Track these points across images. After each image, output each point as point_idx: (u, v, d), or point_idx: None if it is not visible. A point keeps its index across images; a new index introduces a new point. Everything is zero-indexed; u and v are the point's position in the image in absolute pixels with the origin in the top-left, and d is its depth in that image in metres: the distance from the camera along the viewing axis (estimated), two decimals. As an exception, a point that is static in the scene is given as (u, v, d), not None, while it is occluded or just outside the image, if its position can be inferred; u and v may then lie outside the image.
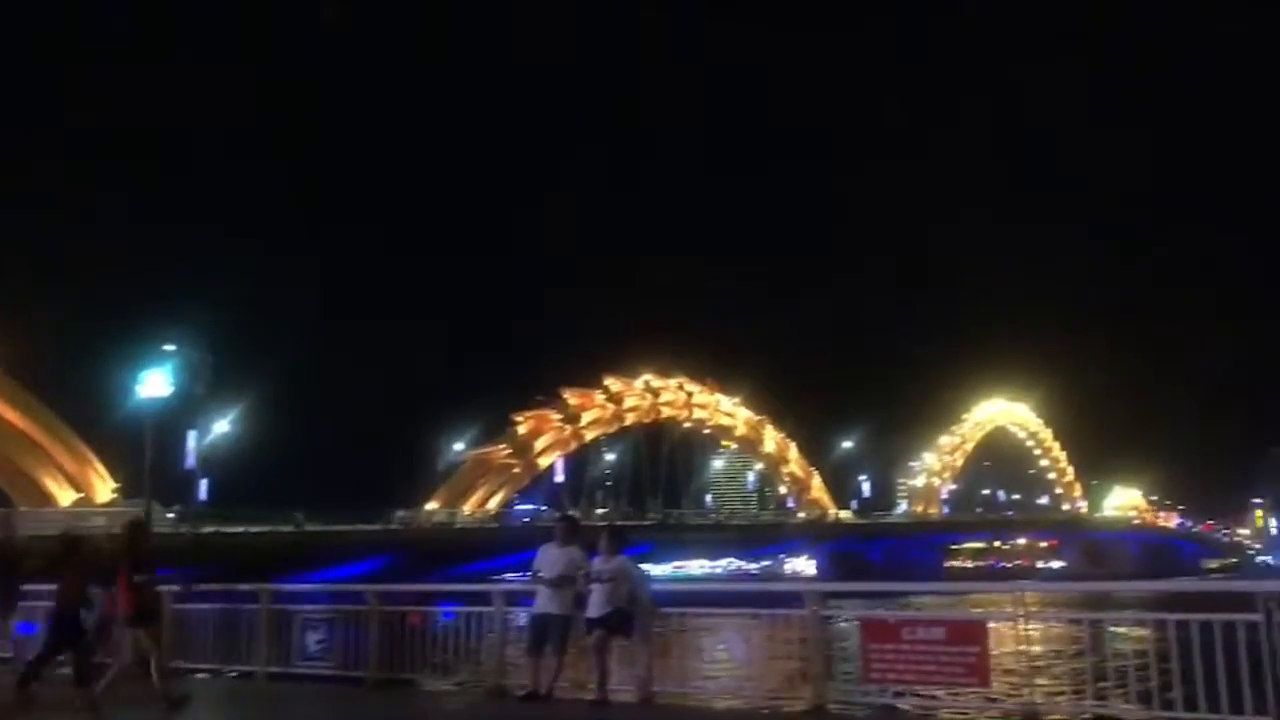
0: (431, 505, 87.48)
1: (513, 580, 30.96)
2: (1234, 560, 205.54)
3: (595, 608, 10.98)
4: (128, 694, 11.16)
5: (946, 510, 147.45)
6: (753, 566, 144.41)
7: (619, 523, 79.23)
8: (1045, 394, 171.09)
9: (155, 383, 51.41)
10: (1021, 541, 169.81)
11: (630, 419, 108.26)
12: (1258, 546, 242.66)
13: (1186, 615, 9.03)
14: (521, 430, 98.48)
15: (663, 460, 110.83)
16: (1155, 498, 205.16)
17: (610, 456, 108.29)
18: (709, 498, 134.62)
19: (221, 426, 69.62)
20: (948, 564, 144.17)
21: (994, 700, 9.63)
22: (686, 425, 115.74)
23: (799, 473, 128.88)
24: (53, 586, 12.12)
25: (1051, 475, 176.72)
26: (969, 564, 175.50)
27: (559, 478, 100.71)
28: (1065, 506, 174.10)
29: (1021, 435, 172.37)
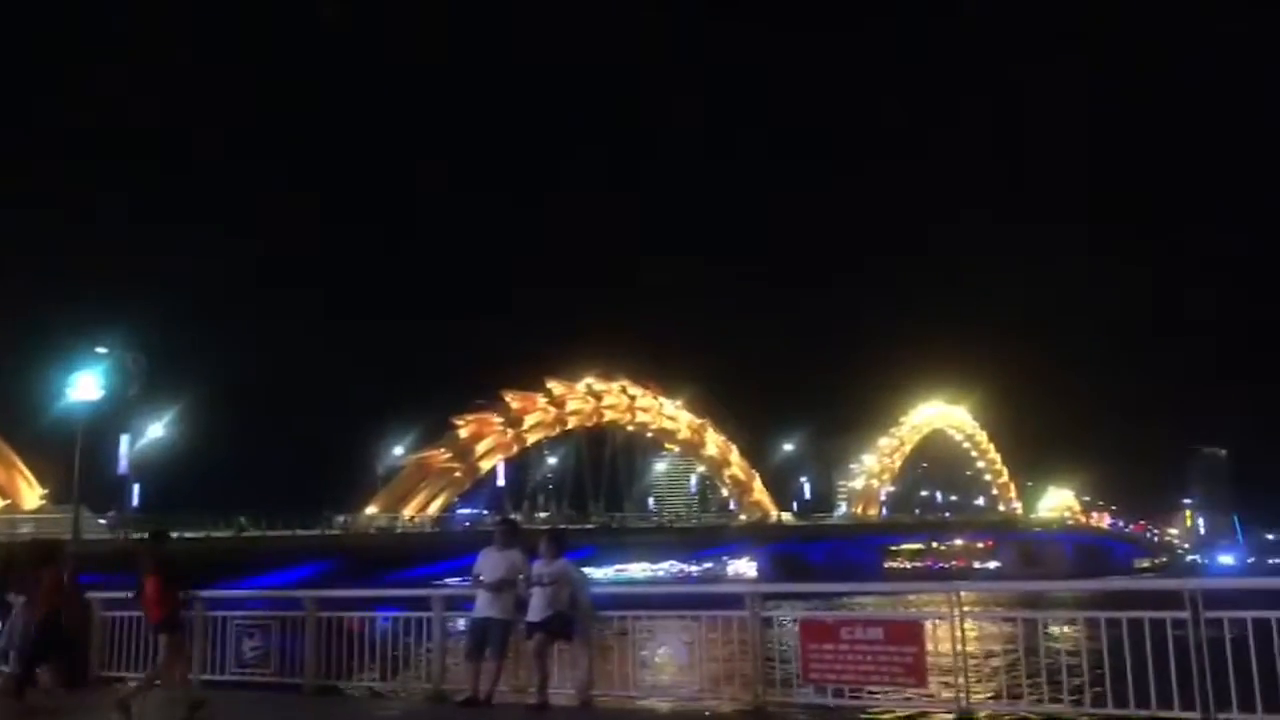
0: (371, 510, 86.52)
1: (453, 585, 30.77)
2: (1164, 559, 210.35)
3: (536, 611, 10.94)
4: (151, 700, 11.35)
5: (885, 512, 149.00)
6: (695, 569, 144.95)
7: (561, 526, 79.13)
8: (982, 397, 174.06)
9: (86, 385, 50.37)
10: (958, 542, 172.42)
11: (572, 422, 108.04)
12: (1186, 546, 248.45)
13: (1118, 613, 9.21)
14: (462, 433, 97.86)
15: (605, 463, 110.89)
16: (1088, 499, 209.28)
17: (552, 460, 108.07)
18: (651, 501, 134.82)
19: (155, 431, 68.28)
20: (887, 565, 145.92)
21: (931, 699, 9.74)
22: (629, 428, 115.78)
23: (741, 475, 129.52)
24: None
25: (987, 477, 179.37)
26: (907, 565, 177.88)
27: (501, 481, 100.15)
28: (1001, 508, 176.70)
29: (958, 437, 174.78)
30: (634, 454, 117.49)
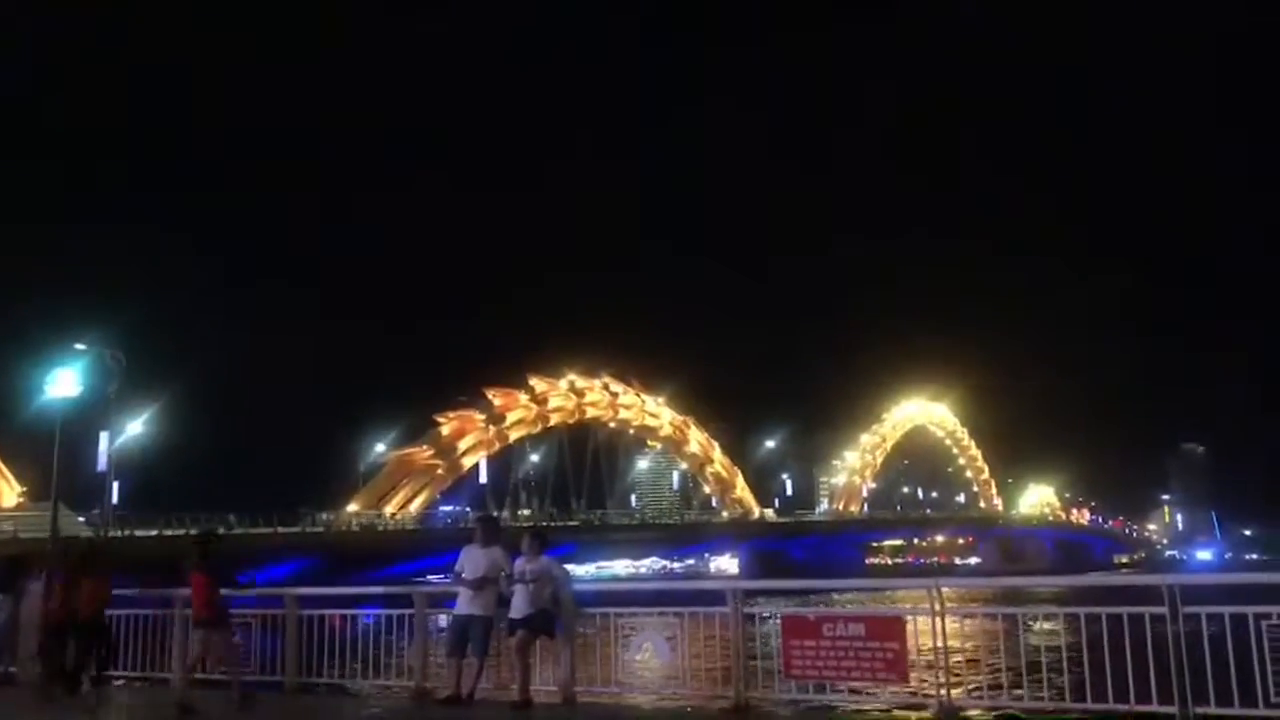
0: (353, 507, 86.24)
1: (435, 582, 30.70)
2: (1143, 555, 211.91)
3: (518, 609, 10.92)
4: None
5: (867, 508, 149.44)
6: (677, 566, 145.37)
7: (544, 523, 79.06)
8: (963, 394, 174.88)
9: (65, 382, 49.94)
10: (940, 539, 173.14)
11: (555, 419, 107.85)
12: (1165, 541, 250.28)
13: (1097, 609, 9.26)
14: (444, 431, 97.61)
15: (587, 460, 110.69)
16: (1068, 495, 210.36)
17: (535, 457, 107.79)
18: (634, 498, 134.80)
19: (135, 428, 67.78)
20: (869, 561, 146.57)
21: (912, 694, 9.78)
22: (611, 425, 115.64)
23: (723, 472, 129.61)
24: None
25: (968, 474, 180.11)
26: (889, 561, 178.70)
27: (483, 478, 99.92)
28: (982, 504, 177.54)
29: (940, 434, 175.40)
30: (616, 451, 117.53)
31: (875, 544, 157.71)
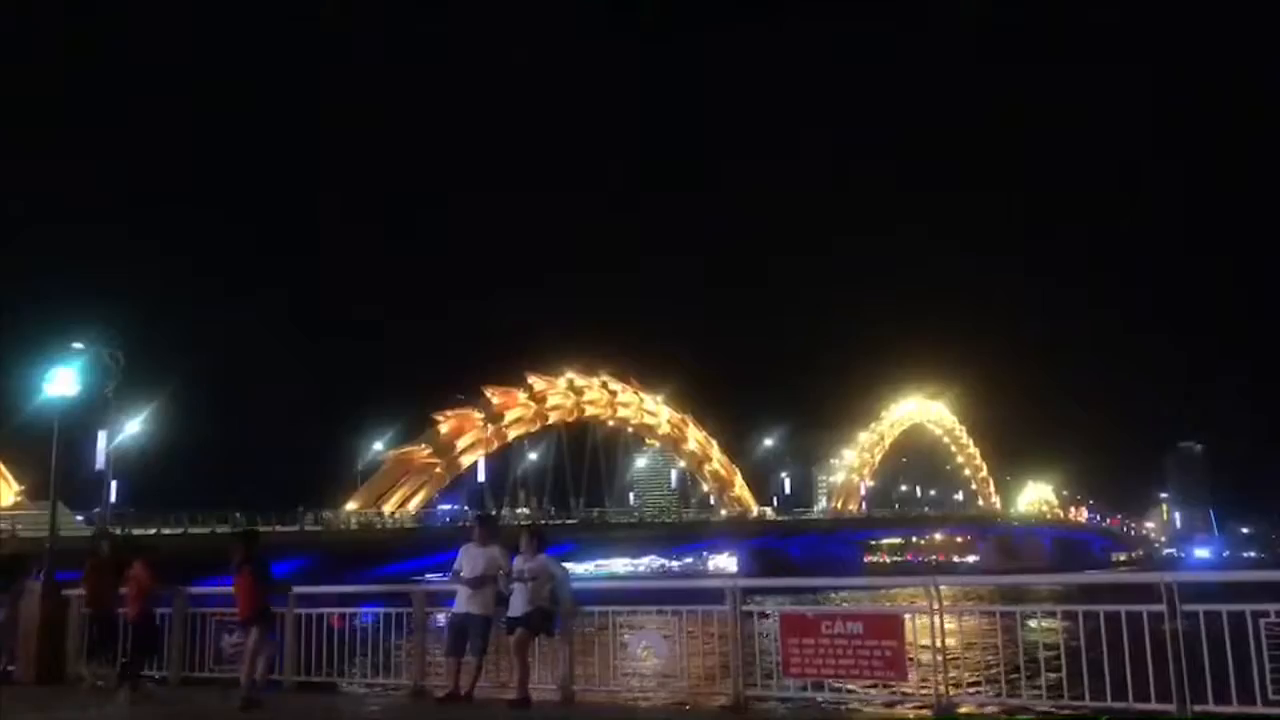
0: (351, 506, 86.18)
1: (434, 581, 30.69)
2: (1141, 553, 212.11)
3: (516, 607, 10.92)
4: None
5: (865, 507, 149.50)
6: (675, 564, 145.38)
7: (542, 522, 79.04)
8: (961, 393, 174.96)
9: (63, 381, 49.85)
10: (938, 537, 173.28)
11: (553, 418, 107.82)
12: (1163, 539, 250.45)
13: (1095, 607, 9.27)
14: (443, 429, 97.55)
15: (586, 459, 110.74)
16: (1066, 493, 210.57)
17: (533, 455, 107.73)
18: (632, 496, 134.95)
19: (134, 427, 67.66)
20: (867, 559, 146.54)
21: (910, 692, 9.78)
22: (610, 424, 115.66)
23: (721, 471, 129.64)
24: None
25: (967, 472, 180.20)
26: (887, 559, 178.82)
27: (481, 477, 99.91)
28: (980, 503, 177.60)
29: (938, 433, 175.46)
30: (615, 449, 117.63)
31: (873, 542, 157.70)
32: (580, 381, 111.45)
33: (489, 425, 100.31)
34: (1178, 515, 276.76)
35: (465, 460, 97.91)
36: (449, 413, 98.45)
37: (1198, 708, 8.35)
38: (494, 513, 76.78)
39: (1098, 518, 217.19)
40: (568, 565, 12.33)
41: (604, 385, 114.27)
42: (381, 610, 13.17)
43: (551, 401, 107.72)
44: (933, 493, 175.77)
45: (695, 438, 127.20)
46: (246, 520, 62.56)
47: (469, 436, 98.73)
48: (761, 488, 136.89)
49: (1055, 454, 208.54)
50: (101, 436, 64.44)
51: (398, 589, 13.98)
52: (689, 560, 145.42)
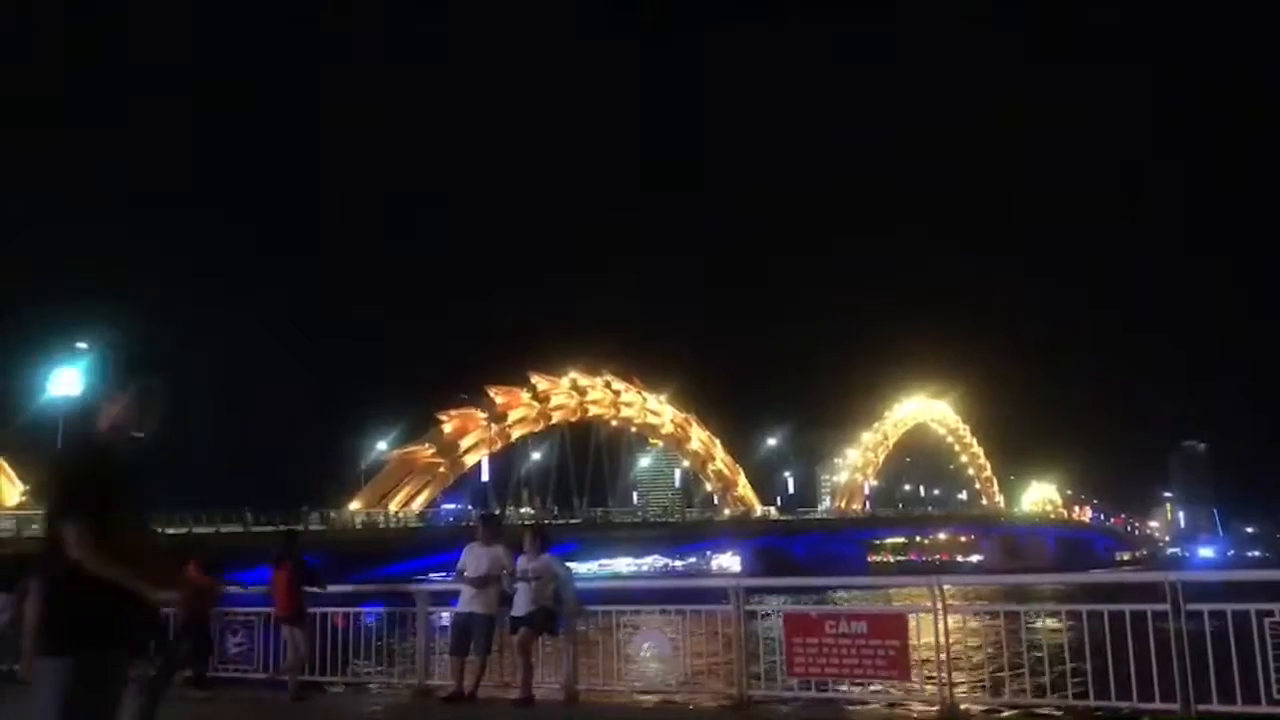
0: (355, 505, 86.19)
1: (437, 580, 30.70)
2: (1145, 552, 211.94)
3: (520, 606, 10.93)
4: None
5: (869, 506, 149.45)
6: (679, 564, 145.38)
7: (545, 521, 79.06)
8: (965, 392, 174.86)
9: (67, 381, 49.99)
10: (942, 536, 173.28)
11: (557, 417, 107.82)
12: (1167, 539, 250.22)
13: (1099, 606, 9.26)
14: (446, 429, 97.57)
15: (589, 458, 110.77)
16: (1070, 492, 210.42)
17: (536, 455, 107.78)
18: (635, 496, 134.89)
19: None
20: (871, 559, 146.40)
21: (914, 692, 9.78)
22: (613, 423, 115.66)
23: (725, 470, 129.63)
24: None
25: (970, 471, 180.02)
26: (891, 559, 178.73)
27: (485, 477, 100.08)
28: (984, 502, 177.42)
29: (942, 432, 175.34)
30: (618, 449, 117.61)
31: (877, 542, 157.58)
32: (584, 381, 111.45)
33: (493, 425, 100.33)
34: (1182, 515, 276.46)
35: (469, 460, 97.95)
36: (453, 412, 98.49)
37: (1202, 707, 8.33)
38: (498, 512, 76.74)
39: (1101, 517, 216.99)
40: (571, 565, 12.34)
41: (607, 385, 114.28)
42: (385, 610, 13.19)
43: (555, 401, 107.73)
44: (936, 492, 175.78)
45: (699, 437, 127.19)
46: (253, 519, 62.74)
47: (473, 436, 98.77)
48: (765, 487, 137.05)
49: (1059, 453, 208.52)
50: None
51: (402, 588, 14.00)
52: (692, 560, 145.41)
